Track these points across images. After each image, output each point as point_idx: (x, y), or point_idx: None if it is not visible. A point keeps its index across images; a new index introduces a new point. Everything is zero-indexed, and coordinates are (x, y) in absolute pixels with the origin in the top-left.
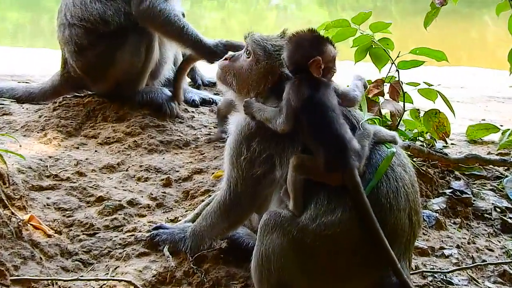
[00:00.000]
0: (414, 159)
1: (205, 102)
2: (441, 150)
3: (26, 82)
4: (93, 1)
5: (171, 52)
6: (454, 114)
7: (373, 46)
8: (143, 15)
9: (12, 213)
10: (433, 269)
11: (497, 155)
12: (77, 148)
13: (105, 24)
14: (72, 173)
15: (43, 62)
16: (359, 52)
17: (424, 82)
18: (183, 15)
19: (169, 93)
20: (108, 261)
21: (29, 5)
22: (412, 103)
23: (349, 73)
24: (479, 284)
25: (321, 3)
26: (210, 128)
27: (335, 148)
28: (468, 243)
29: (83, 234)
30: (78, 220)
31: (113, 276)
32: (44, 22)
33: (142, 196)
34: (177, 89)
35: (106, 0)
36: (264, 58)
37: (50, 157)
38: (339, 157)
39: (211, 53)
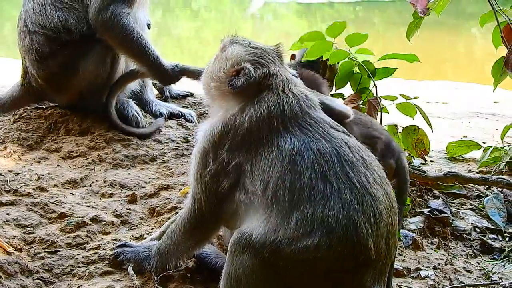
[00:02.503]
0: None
1: (173, 116)
2: (419, 168)
3: None
4: (53, 8)
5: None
6: (432, 130)
7: (354, 73)
8: (102, 26)
9: None
10: None
11: (478, 173)
12: (39, 162)
13: (67, 33)
14: (33, 188)
15: (4, 72)
16: (339, 79)
17: (400, 95)
18: (149, 26)
19: (136, 106)
20: (70, 280)
21: None
22: (390, 118)
23: None
24: None
25: (299, 13)
26: (177, 143)
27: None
28: (446, 264)
29: (44, 251)
30: (39, 237)
31: None
32: (7, 30)
33: (106, 213)
34: (110, 103)
35: (67, 8)
36: None
37: (10, 171)
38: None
39: (167, 76)
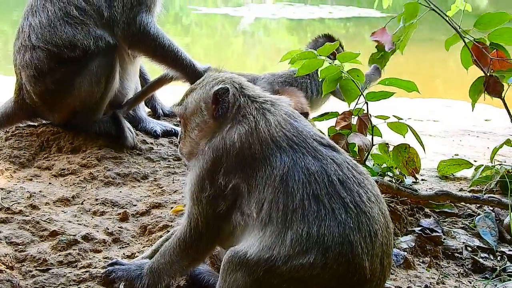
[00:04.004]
0: (383, 195)
1: (166, 133)
2: (410, 186)
3: None
4: (63, 23)
5: (132, 83)
6: (424, 149)
7: (342, 78)
8: (134, 38)
9: None
10: None
11: (469, 191)
12: (30, 180)
13: (71, 49)
14: (25, 206)
15: None
16: (327, 83)
17: (394, 116)
18: None
19: (128, 124)
20: None
21: None
22: (381, 137)
23: None
24: None
25: (290, 29)
26: (169, 161)
27: None
28: (437, 283)
29: (36, 269)
30: (31, 255)
31: None
32: None
33: (97, 231)
34: (137, 101)
35: (77, 24)
36: None
37: (1, 189)
38: None
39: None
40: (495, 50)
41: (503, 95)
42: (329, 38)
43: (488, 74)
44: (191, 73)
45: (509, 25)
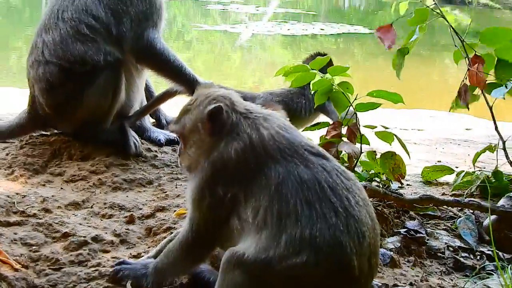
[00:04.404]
0: (370, 199)
1: (170, 142)
2: (396, 191)
3: None
4: (75, 40)
5: (138, 96)
6: (409, 156)
7: (333, 90)
8: (140, 53)
9: None
10: None
11: (451, 196)
12: (44, 185)
13: (82, 64)
14: (39, 210)
15: (10, 101)
16: (319, 95)
17: (381, 125)
18: None
19: (134, 133)
20: None
21: None
22: (369, 145)
23: None
24: None
25: (284, 44)
26: (172, 168)
27: None
28: (421, 280)
29: (49, 268)
30: (44, 255)
31: None
32: (12, 60)
33: (106, 233)
34: (143, 114)
35: (88, 41)
36: None
37: (17, 193)
38: None
39: None
40: (477, 63)
41: (491, 105)
42: (323, 55)
43: (463, 84)
44: (193, 87)
45: None
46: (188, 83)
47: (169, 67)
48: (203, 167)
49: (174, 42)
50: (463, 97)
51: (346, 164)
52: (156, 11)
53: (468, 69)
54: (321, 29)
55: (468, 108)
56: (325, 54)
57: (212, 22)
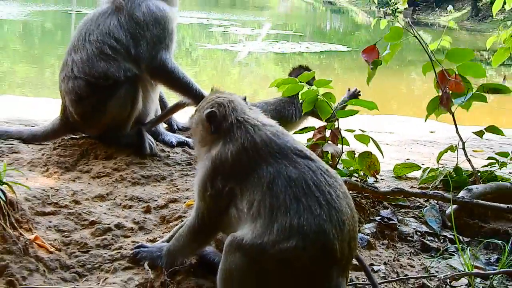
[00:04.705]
0: (350, 192)
1: (180, 144)
2: (372, 185)
3: (31, 126)
4: (99, 59)
5: (153, 105)
6: (382, 155)
7: (318, 99)
8: (154, 71)
9: (20, 234)
10: (365, 281)
11: (418, 188)
12: (74, 180)
13: (105, 79)
14: (69, 201)
15: (46, 109)
16: (306, 104)
17: (359, 129)
18: None
19: (150, 137)
20: (99, 273)
21: (34, 61)
22: (349, 146)
23: None
24: None
25: (276, 61)
26: (182, 166)
27: None
28: (394, 260)
29: (79, 251)
30: (75, 240)
31: (103, 285)
32: (47, 75)
33: (126, 221)
34: (158, 122)
35: (111, 60)
36: None
37: (51, 188)
38: None
39: None
40: (454, 74)
41: (452, 111)
42: (306, 68)
43: (444, 92)
44: (200, 100)
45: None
46: (196, 97)
47: (179, 83)
48: (205, 161)
49: (183, 59)
50: (445, 103)
51: (330, 162)
52: (168, 35)
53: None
54: (307, 48)
55: (452, 114)
56: (306, 67)
57: (214, 42)
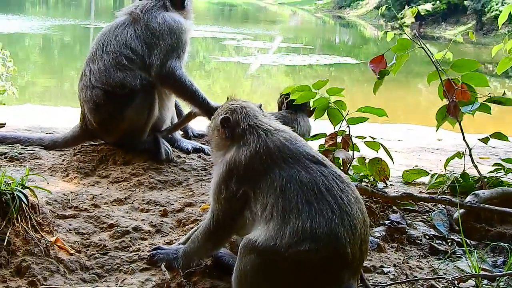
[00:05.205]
0: (361, 196)
1: (195, 150)
2: (382, 190)
3: (52, 133)
4: (116, 69)
5: (169, 113)
6: (393, 161)
7: (330, 107)
8: (163, 78)
9: (42, 236)
10: (375, 283)
11: (427, 193)
12: (93, 185)
13: (122, 88)
14: (89, 205)
15: (65, 117)
16: (318, 111)
17: (370, 136)
18: None
19: (166, 143)
20: (118, 274)
21: (54, 72)
22: (359, 152)
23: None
24: None
25: (287, 73)
26: (198, 171)
27: None
28: (403, 262)
29: (98, 253)
30: (94, 242)
31: (121, 286)
32: (66, 87)
33: (144, 224)
34: (174, 130)
35: (126, 70)
36: None
37: (71, 192)
38: None
39: (213, 113)
40: (461, 83)
41: (459, 119)
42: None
43: (451, 100)
44: (205, 108)
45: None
46: (201, 105)
47: (185, 90)
48: (221, 165)
49: (197, 71)
50: (452, 112)
51: (341, 168)
52: (181, 46)
53: (455, 89)
54: (317, 60)
55: (459, 122)
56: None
57: (227, 54)
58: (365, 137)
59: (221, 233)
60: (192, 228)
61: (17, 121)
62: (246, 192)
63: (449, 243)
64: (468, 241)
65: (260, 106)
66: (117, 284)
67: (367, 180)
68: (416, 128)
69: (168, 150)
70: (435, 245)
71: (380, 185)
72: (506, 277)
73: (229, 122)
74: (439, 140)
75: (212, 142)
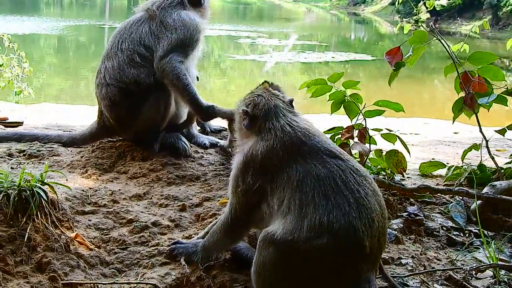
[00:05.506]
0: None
1: (212, 145)
2: (399, 182)
3: (70, 131)
4: (129, 66)
5: (185, 109)
6: (409, 154)
7: (346, 100)
8: (160, 68)
9: (62, 232)
10: (393, 274)
11: (444, 185)
12: (112, 181)
13: (136, 85)
14: (108, 201)
15: (82, 115)
16: (334, 105)
17: (386, 129)
18: (197, 78)
19: (184, 139)
20: (137, 269)
21: (69, 73)
22: (376, 145)
23: (327, 123)
24: (429, 286)
25: (302, 70)
26: (215, 166)
27: None
28: (421, 254)
29: (117, 248)
30: (113, 237)
31: (142, 280)
32: (81, 87)
33: (163, 219)
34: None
35: (140, 67)
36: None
37: (90, 188)
38: None
39: (202, 112)
40: (477, 75)
41: (476, 111)
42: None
43: (468, 92)
44: (194, 105)
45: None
46: (191, 101)
47: (177, 83)
48: (239, 157)
49: (212, 70)
50: (469, 104)
51: (358, 160)
52: (191, 44)
53: (472, 81)
54: (332, 57)
55: (476, 114)
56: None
57: (243, 53)
58: (382, 130)
59: (239, 226)
60: (211, 222)
61: (35, 120)
62: (262, 186)
63: (467, 235)
64: (485, 232)
65: (292, 101)
66: (137, 278)
67: (384, 173)
68: (432, 122)
69: (185, 145)
70: (453, 236)
71: (397, 177)
72: None
73: (248, 114)
74: (455, 133)
75: (236, 126)
